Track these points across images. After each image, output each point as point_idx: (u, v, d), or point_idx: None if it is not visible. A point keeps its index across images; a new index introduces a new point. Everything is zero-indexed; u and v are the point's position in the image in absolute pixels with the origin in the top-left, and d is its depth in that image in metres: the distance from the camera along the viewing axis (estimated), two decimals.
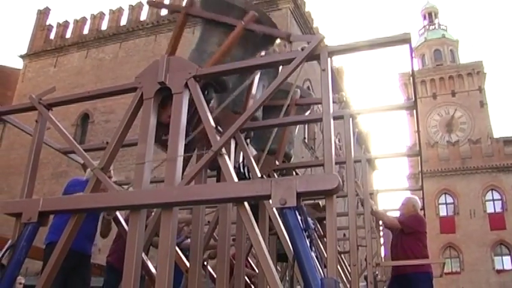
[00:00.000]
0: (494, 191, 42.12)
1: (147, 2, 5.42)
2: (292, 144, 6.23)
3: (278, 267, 7.56)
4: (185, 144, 3.55)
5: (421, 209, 9.31)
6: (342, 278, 6.96)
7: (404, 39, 3.34)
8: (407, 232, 6.31)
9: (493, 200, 42.07)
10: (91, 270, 5.78)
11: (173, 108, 3.50)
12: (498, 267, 39.36)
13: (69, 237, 3.55)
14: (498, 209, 41.61)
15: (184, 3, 4.35)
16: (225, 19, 4.02)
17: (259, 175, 4.28)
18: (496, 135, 46.56)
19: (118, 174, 8.92)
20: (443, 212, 42.66)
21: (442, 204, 42.96)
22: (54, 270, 3.51)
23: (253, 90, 4.58)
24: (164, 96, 3.67)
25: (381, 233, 8.52)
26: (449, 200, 42.86)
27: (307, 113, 6.22)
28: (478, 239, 39.87)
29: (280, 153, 5.69)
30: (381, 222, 7.51)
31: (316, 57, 3.39)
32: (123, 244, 4.21)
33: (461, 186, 42.29)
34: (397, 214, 7.27)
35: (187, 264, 4.20)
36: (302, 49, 3.40)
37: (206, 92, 3.95)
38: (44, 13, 31.87)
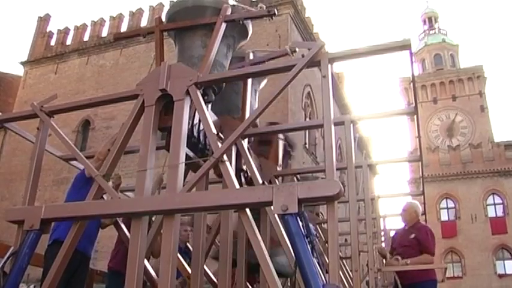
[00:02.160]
0: (495, 195, 42.06)
1: (114, 37, 5.63)
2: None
3: None
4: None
5: (422, 214, 9.32)
6: (344, 283, 6.97)
7: (405, 45, 3.35)
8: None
9: (495, 204, 42.00)
10: (87, 273, 5.79)
11: (174, 115, 3.52)
12: (500, 271, 39.26)
13: (73, 242, 3.56)
14: (500, 214, 41.54)
15: (154, 22, 4.47)
16: (202, 20, 4.12)
17: (260, 181, 4.29)
18: (496, 139, 46.53)
19: None
20: (444, 216, 42.58)
21: (444, 208, 42.89)
22: (58, 275, 3.51)
23: (248, 96, 4.59)
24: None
25: (382, 238, 8.51)
26: (451, 204, 42.80)
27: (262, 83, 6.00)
28: (480, 243, 39.79)
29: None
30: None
31: (317, 63, 3.41)
32: (124, 249, 4.22)
33: (463, 191, 42.23)
34: (398, 219, 7.28)
35: (189, 270, 4.21)
36: (303, 56, 3.42)
37: (206, 97, 3.98)
38: (44, 20, 31.99)
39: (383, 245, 8.78)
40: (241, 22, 4.21)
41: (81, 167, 5.09)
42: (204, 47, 4.10)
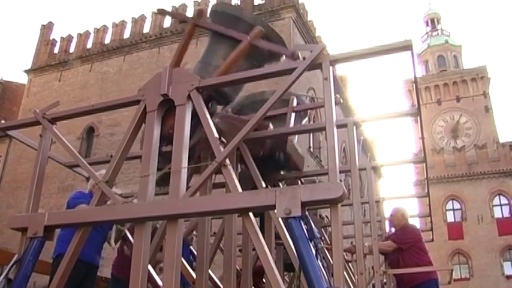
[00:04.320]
0: (501, 196, 41.93)
1: (157, 10, 5.52)
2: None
3: (286, 278, 7.54)
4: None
5: (427, 216, 9.29)
6: (349, 286, 6.93)
7: (406, 46, 3.34)
8: (407, 247, 6.31)
9: (501, 205, 41.88)
10: (96, 282, 5.80)
11: (176, 120, 3.51)
12: (508, 272, 39.08)
13: (76, 249, 3.55)
14: (506, 214, 41.41)
15: (193, 14, 4.44)
16: (231, 33, 4.05)
17: (263, 185, 4.28)
18: (501, 139, 46.39)
19: (124, 187, 8.92)
20: (450, 218, 42.49)
21: (450, 210, 42.80)
22: (62, 283, 3.51)
23: None
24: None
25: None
26: (457, 205, 42.69)
27: (304, 121, 6.21)
28: (487, 244, 39.65)
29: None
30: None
31: (318, 66, 3.39)
32: (122, 256, 4.21)
33: (468, 192, 42.12)
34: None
35: (194, 275, 4.20)
36: (304, 58, 3.41)
37: (210, 105, 3.97)
38: (47, 28, 32.08)
39: None
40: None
41: (85, 173, 5.10)
42: (224, 59, 4.06)
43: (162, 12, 5.32)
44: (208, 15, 4.41)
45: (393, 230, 7.10)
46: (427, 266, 6.38)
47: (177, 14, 4.87)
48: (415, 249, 6.36)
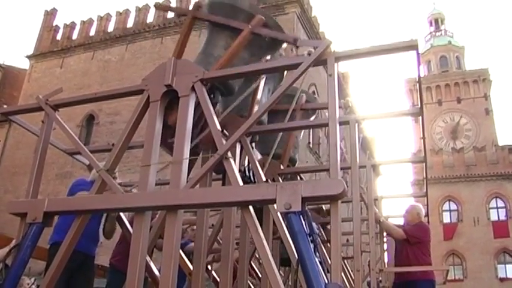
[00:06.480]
0: (498, 199, 41.96)
1: (155, 5, 5.52)
2: (297, 149, 6.23)
3: (281, 272, 7.56)
4: (191, 148, 3.56)
5: (425, 216, 9.31)
6: (345, 283, 6.95)
7: (412, 46, 3.34)
8: (413, 242, 6.31)
9: (497, 207, 41.89)
10: (94, 271, 5.78)
11: (179, 111, 3.51)
12: (501, 275, 39.16)
13: (74, 238, 3.55)
14: (502, 217, 41.42)
15: (191, 7, 4.37)
16: (232, 23, 4.03)
17: (264, 179, 4.28)
18: (501, 142, 46.39)
19: (123, 176, 8.91)
20: (447, 219, 42.51)
21: (446, 211, 42.81)
22: (58, 271, 3.51)
23: (259, 95, 4.60)
24: (171, 99, 3.68)
25: (385, 239, 8.49)
26: (453, 207, 42.71)
27: (312, 118, 6.22)
28: (482, 246, 39.71)
29: (285, 158, 5.69)
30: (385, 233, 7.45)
31: (323, 62, 3.39)
32: (126, 246, 4.22)
33: (466, 194, 42.13)
34: (401, 221, 7.26)
35: (191, 267, 4.21)
36: (309, 54, 3.40)
37: (212, 95, 3.96)
38: (51, 14, 31.99)
39: (385, 246, 8.75)
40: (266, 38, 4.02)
41: (85, 161, 5.09)
42: (225, 49, 4.03)
43: (160, 8, 5.30)
44: (206, 6, 4.37)
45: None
46: (424, 266, 6.38)
47: (176, 8, 4.86)
48: (421, 247, 6.36)
